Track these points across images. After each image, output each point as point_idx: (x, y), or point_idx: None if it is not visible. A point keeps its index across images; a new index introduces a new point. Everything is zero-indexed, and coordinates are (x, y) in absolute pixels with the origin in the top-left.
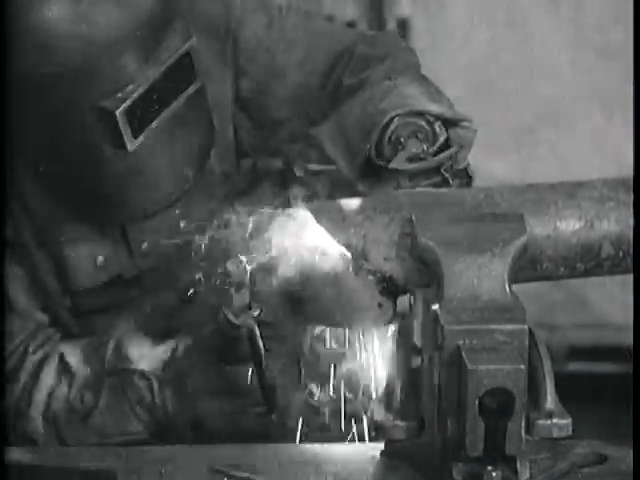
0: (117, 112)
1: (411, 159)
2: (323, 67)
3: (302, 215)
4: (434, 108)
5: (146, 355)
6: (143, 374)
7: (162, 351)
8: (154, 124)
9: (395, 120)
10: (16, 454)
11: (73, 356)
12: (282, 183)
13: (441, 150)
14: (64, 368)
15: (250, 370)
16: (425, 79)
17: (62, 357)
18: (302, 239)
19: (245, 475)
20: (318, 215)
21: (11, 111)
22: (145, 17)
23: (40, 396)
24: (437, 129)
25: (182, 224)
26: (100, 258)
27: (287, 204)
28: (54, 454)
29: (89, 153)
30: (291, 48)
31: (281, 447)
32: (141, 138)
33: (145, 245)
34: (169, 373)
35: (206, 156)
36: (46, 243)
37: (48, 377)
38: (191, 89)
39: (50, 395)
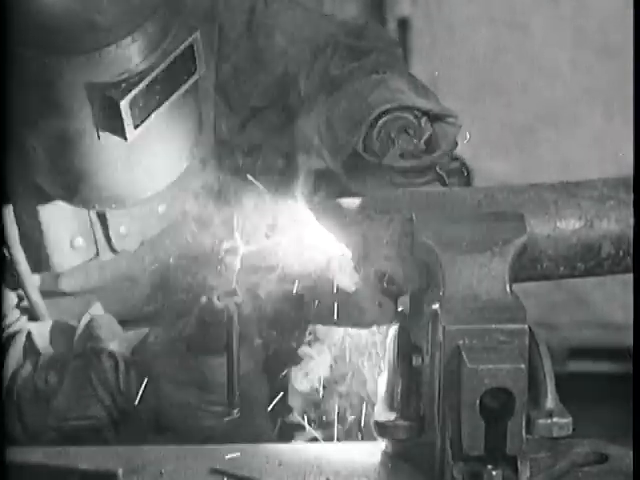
0: (121, 103)
1: (403, 155)
2: (306, 56)
3: (303, 214)
4: (423, 103)
5: (117, 337)
6: (111, 354)
7: (133, 336)
8: (154, 115)
9: (384, 115)
10: (16, 454)
11: (40, 336)
12: (284, 181)
13: (427, 144)
14: (30, 348)
15: (221, 363)
16: (411, 74)
17: (29, 337)
18: (303, 238)
19: (245, 475)
20: (319, 214)
21: (11, 96)
22: (156, 8)
23: (4, 375)
24: (423, 124)
25: (160, 208)
26: (77, 239)
27: (288, 203)
28: (54, 454)
29: (85, 139)
30: (273, 35)
31: (281, 447)
32: (141, 128)
33: (123, 228)
34: (137, 356)
35: (194, 146)
36: (22, 223)
37: (14, 356)
38: (191, 80)
39: (14, 374)
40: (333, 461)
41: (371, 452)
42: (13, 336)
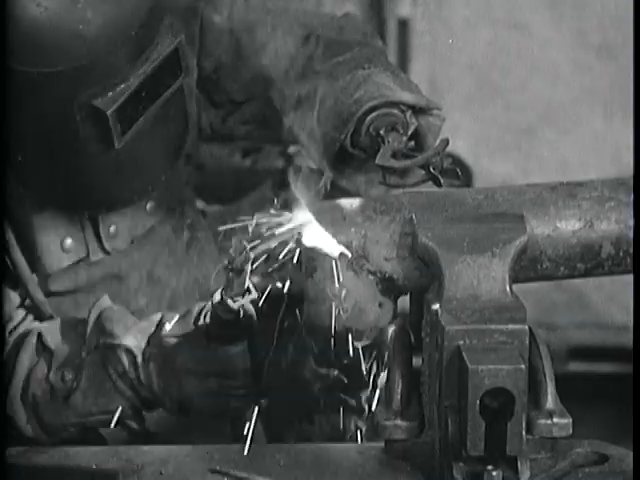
0: (109, 112)
1: (394, 155)
2: (287, 50)
3: (302, 215)
4: (409, 98)
5: (130, 329)
6: (127, 349)
7: (146, 326)
8: (141, 121)
9: (372, 111)
10: (16, 454)
11: (51, 335)
12: (282, 183)
13: (413, 138)
14: (42, 347)
15: (241, 351)
16: (394, 67)
17: (40, 336)
18: (303, 239)
19: (245, 475)
20: (318, 215)
21: (5, 107)
22: (141, 16)
23: (19, 377)
24: (408, 117)
25: (148, 206)
26: (68, 241)
27: (287, 204)
28: (54, 454)
29: (73, 148)
30: (254, 29)
31: (281, 447)
32: (128, 135)
33: (113, 227)
34: (154, 348)
35: (182, 146)
36: (15, 224)
37: (26, 358)
38: (177, 84)
39: (29, 376)
40: (333, 461)
41: (371, 452)
42: (23, 337)
